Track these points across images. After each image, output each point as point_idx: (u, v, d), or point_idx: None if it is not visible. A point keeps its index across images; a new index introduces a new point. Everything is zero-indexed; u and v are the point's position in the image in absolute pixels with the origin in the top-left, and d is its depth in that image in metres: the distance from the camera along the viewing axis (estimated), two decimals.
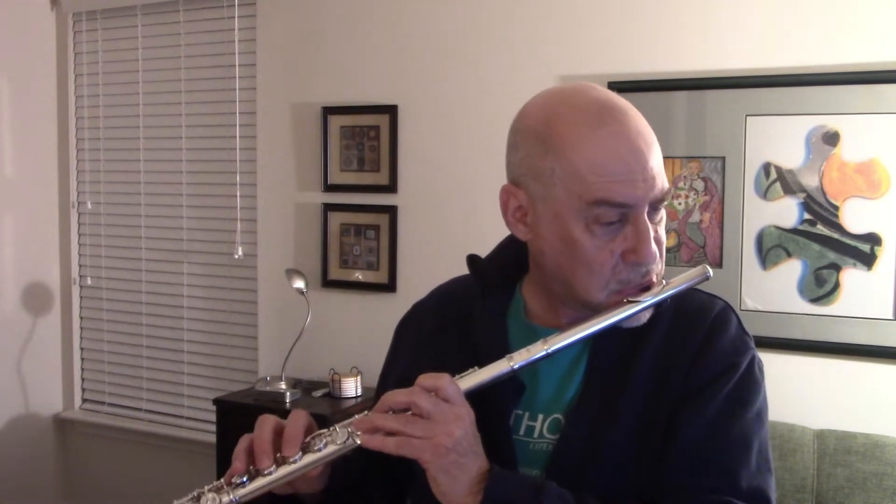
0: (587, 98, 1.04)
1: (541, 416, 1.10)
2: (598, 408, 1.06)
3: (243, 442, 1.05)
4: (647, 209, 1.02)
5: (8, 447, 3.57)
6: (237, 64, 3.31)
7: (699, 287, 1.10)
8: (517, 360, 1.03)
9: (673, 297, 1.07)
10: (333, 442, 1.00)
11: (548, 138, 1.03)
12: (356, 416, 1.02)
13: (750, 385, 1.07)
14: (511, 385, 1.06)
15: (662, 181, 1.03)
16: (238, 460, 1.04)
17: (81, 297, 3.76)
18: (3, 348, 3.56)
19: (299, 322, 3.07)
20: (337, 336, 3.16)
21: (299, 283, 3.01)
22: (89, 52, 3.66)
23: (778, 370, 2.50)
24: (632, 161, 1.00)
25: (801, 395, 2.49)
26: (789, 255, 2.50)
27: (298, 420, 1.05)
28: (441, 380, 1.00)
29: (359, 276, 3.13)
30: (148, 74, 3.53)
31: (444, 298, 1.28)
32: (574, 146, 1.01)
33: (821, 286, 2.47)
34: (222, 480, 1.03)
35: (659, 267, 1.06)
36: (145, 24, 3.52)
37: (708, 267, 1.08)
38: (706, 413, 1.04)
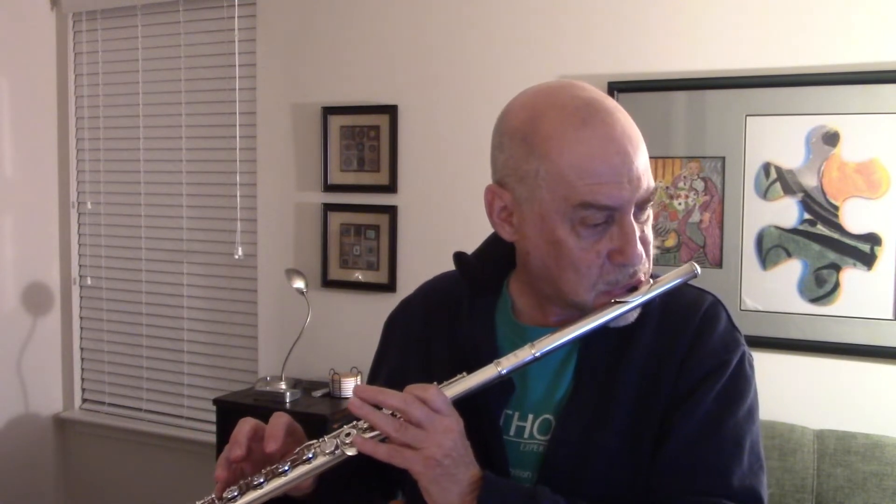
0: (571, 97, 1.02)
1: (531, 417, 1.09)
2: (589, 409, 1.05)
3: (227, 450, 1.05)
4: (633, 210, 1.01)
5: (8, 447, 3.57)
6: (237, 64, 3.31)
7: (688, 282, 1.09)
8: (505, 365, 1.02)
9: (661, 295, 1.06)
10: (322, 453, 1.00)
11: (531, 139, 1.02)
12: (345, 427, 1.02)
13: (740, 382, 1.06)
14: (500, 385, 1.05)
15: (648, 180, 1.02)
16: (221, 468, 1.05)
17: (81, 297, 3.76)
18: (3, 348, 3.55)
19: (299, 322, 3.07)
20: (337, 336, 3.16)
21: (299, 283, 3.01)
22: (89, 52, 3.66)
23: (778, 370, 2.50)
24: (617, 163, 0.99)
25: (801, 395, 2.49)
26: (789, 255, 2.50)
27: (279, 419, 1.06)
28: (428, 391, 0.99)
29: (359, 276, 3.13)
30: (148, 74, 3.53)
31: (432, 295, 1.26)
32: (558, 148, 1.00)
33: (821, 286, 2.47)
34: (213, 496, 1.03)
35: (646, 266, 1.05)
36: (145, 24, 3.52)
37: (696, 264, 1.07)
38: (698, 413, 1.03)
